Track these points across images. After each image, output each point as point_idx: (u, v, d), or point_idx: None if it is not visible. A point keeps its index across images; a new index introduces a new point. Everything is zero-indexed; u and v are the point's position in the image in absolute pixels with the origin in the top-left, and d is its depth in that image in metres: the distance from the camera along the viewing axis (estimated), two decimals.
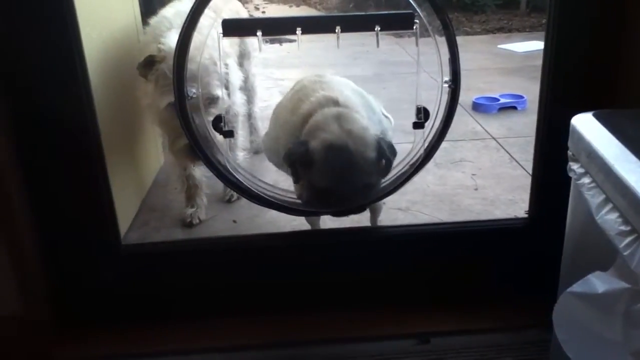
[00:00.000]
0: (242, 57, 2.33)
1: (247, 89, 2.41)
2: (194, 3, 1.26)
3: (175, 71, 1.32)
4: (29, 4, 1.18)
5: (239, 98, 2.03)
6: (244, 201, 1.98)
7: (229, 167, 1.45)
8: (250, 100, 2.46)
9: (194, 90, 1.41)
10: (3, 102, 1.22)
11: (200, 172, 2.00)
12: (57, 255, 1.39)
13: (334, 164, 1.37)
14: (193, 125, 1.39)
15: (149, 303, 1.46)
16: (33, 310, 1.33)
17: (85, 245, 1.40)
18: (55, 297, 1.40)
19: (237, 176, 1.44)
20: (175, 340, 1.42)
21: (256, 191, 1.45)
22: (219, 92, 1.77)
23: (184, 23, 1.27)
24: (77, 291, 1.43)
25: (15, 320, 1.32)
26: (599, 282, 0.72)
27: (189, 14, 1.26)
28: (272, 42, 4.49)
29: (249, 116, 2.49)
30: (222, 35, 1.35)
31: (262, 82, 2.61)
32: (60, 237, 1.38)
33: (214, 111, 1.74)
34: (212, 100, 1.75)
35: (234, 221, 2.02)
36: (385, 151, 1.41)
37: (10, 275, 1.29)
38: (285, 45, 4.55)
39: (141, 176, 2.18)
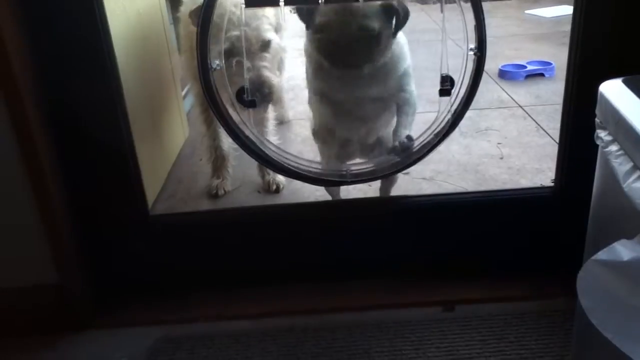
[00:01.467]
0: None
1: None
2: None
3: (199, 45, 1.32)
4: None
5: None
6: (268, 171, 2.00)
7: (253, 138, 1.46)
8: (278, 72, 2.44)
9: (217, 62, 1.41)
10: (33, 75, 1.24)
11: (228, 143, 2.01)
12: (88, 227, 1.42)
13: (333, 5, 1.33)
14: (217, 96, 1.39)
15: (177, 272, 1.49)
16: (67, 279, 1.38)
17: (114, 217, 1.43)
18: (87, 267, 1.44)
19: (261, 147, 1.45)
20: (204, 308, 1.46)
21: (280, 162, 1.46)
22: (271, 35, 1.71)
23: None
24: (108, 261, 1.48)
25: (52, 288, 1.37)
26: (624, 250, 0.71)
27: None
28: (295, 11, 4.43)
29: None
30: (244, 6, 1.34)
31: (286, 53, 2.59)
32: (90, 209, 1.41)
33: (268, 56, 1.70)
34: (264, 44, 1.69)
35: (259, 192, 2.04)
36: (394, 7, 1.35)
37: (46, 245, 1.33)
38: None
39: (167, 148, 2.21)
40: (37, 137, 1.24)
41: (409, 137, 1.43)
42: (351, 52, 1.36)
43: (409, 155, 1.45)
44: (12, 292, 1.37)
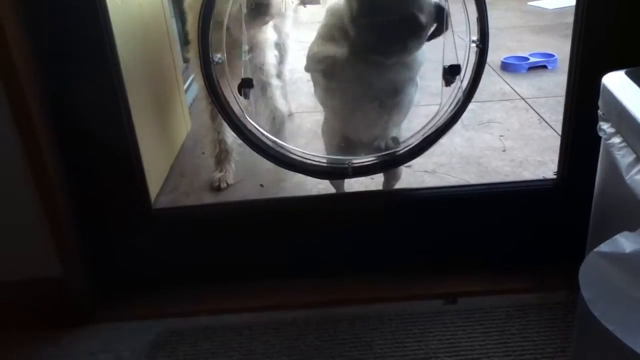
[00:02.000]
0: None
1: (279, 48, 2.38)
2: None
3: (200, 37, 1.32)
4: None
5: (271, 57, 2.00)
6: (270, 165, 2.00)
7: (254, 131, 1.46)
8: (281, 60, 2.44)
9: (219, 56, 1.41)
10: (34, 69, 1.24)
11: (232, 137, 2.01)
12: (90, 220, 1.43)
13: None
14: (219, 89, 1.39)
15: (180, 265, 1.50)
16: (70, 272, 1.38)
17: (117, 210, 1.43)
18: (90, 261, 1.44)
19: (264, 140, 1.45)
20: (207, 301, 1.46)
21: (282, 155, 1.46)
22: None
23: None
24: (111, 255, 1.48)
25: (54, 282, 1.37)
26: (626, 242, 0.71)
27: None
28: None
29: (278, 77, 2.47)
30: None
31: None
32: (93, 203, 1.41)
33: (268, 19, 1.70)
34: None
35: (261, 185, 2.04)
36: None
37: (48, 239, 1.33)
38: (309, 7, 4.48)
39: (169, 142, 2.21)
40: (39, 131, 1.24)
41: (395, 140, 1.42)
42: (390, 40, 1.32)
43: (394, 157, 1.45)
44: (14, 285, 1.38)
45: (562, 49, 3.03)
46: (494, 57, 3.01)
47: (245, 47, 1.58)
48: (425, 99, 1.78)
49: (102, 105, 1.32)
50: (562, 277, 1.40)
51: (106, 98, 1.31)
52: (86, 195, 1.40)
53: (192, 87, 2.70)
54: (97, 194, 1.41)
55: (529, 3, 4.58)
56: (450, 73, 1.37)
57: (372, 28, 1.32)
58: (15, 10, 1.18)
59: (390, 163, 1.50)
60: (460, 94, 1.39)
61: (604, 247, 0.73)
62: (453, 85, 1.39)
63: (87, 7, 1.22)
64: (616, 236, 0.73)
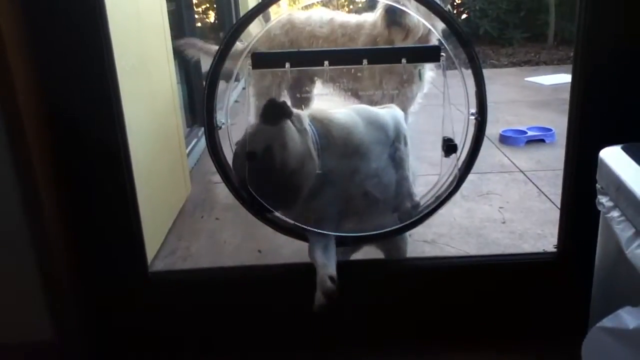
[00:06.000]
0: None
1: None
2: (226, 36, 1.29)
3: (205, 103, 1.34)
4: None
5: None
6: (269, 231, 1.99)
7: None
8: None
9: (222, 121, 1.43)
10: (36, 100, 1.26)
11: None
12: (86, 284, 1.41)
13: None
14: (222, 154, 1.41)
15: (176, 329, 1.47)
16: (64, 336, 1.35)
17: (113, 274, 1.42)
18: (85, 325, 1.41)
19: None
20: None
21: (282, 221, 1.46)
22: None
23: (214, 58, 1.31)
24: (108, 318, 1.45)
25: (47, 346, 1.34)
26: (629, 318, 0.70)
27: (219, 47, 1.30)
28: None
29: None
30: (251, 67, 1.38)
31: None
32: (90, 265, 1.40)
33: None
34: None
35: (259, 251, 2.03)
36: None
37: (42, 302, 1.32)
38: None
39: (169, 204, 2.22)
40: (40, 180, 1.25)
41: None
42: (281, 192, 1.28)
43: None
44: (10, 348, 1.34)
45: (559, 123, 3.09)
46: (493, 130, 3.07)
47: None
48: (425, 169, 1.80)
49: (106, 166, 1.33)
50: (564, 352, 1.36)
51: (109, 159, 1.32)
52: (83, 256, 1.39)
53: (193, 152, 2.74)
54: (94, 256, 1.40)
55: (527, 79, 4.72)
56: (446, 151, 1.38)
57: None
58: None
59: (390, 233, 1.49)
60: (459, 166, 1.41)
61: (606, 322, 0.72)
62: (452, 156, 1.41)
63: (96, 75, 1.25)
64: (619, 311, 0.72)
